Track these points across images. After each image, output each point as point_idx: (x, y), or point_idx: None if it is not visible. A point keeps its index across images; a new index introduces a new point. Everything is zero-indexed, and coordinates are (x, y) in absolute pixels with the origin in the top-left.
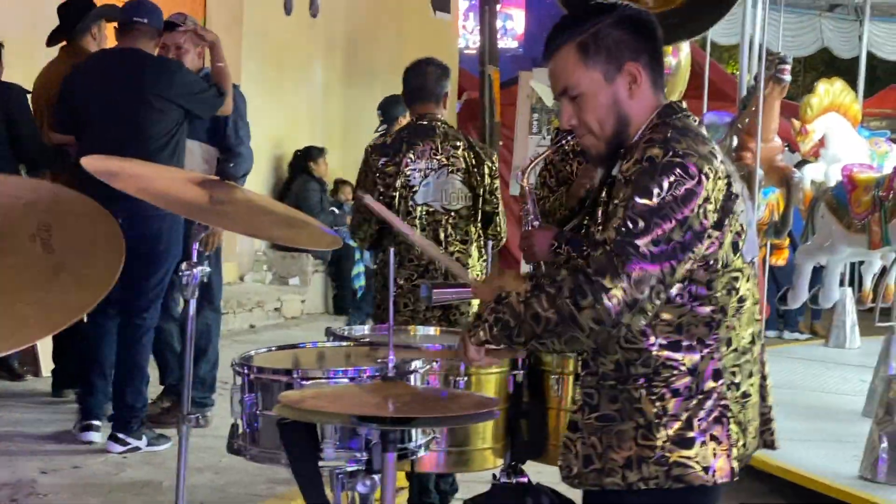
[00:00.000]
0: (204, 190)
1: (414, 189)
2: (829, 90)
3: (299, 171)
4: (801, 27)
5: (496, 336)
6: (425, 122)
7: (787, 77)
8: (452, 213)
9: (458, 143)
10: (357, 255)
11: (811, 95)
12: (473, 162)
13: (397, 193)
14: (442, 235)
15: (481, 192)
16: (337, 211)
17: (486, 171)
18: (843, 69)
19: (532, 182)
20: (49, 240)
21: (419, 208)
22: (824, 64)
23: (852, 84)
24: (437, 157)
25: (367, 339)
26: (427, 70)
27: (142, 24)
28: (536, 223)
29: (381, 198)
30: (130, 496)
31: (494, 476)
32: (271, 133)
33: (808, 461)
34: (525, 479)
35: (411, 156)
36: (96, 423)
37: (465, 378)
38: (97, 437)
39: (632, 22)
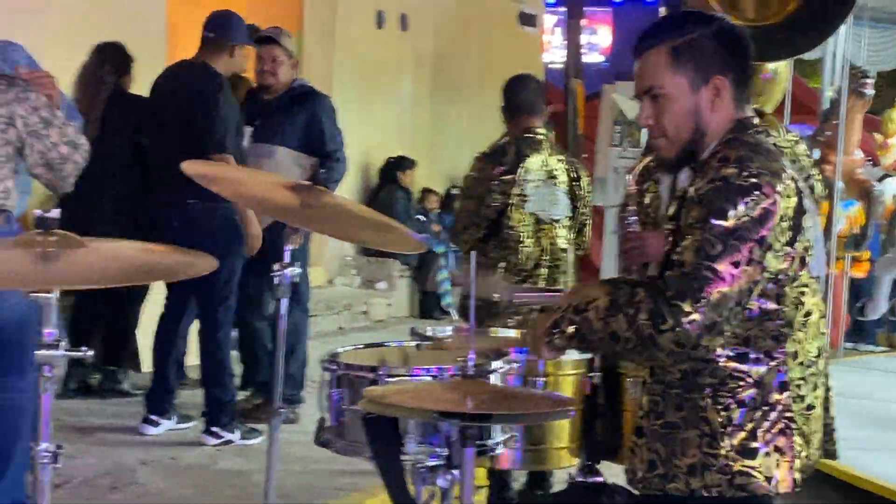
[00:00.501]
0: (296, 194)
1: (526, 198)
2: None
3: (387, 180)
4: (885, 42)
5: (574, 346)
6: (532, 135)
7: (870, 91)
8: (556, 223)
9: (561, 157)
10: (442, 262)
11: (893, 110)
12: (574, 175)
13: (512, 202)
14: (546, 243)
15: (578, 204)
16: (423, 219)
17: (584, 183)
18: None
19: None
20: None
21: (528, 217)
22: None
23: None
24: (545, 169)
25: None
26: (532, 85)
27: (208, 37)
28: (637, 227)
29: (494, 203)
30: (223, 486)
31: (571, 475)
32: (360, 143)
33: (881, 470)
34: (600, 479)
35: (524, 166)
36: (153, 417)
37: (543, 379)
38: (152, 431)
39: (728, 36)
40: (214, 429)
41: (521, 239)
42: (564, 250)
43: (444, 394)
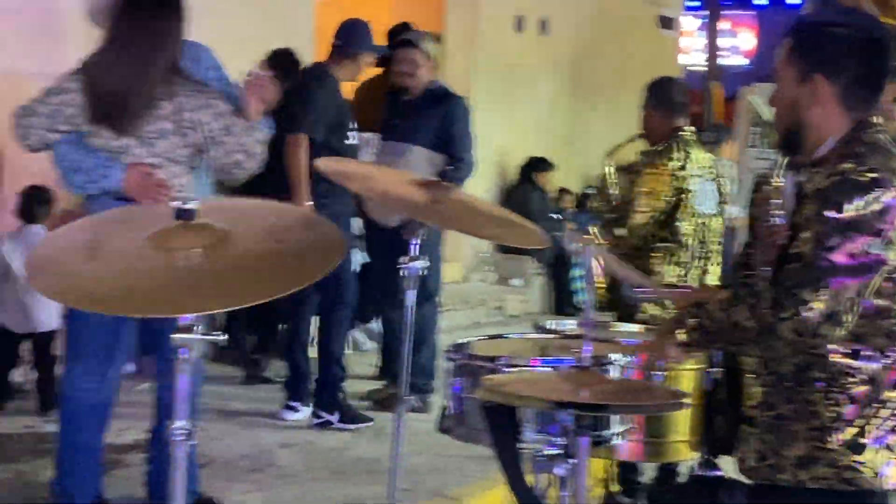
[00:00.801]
0: (424, 190)
1: (691, 193)
2: None
3: (524, 180)
4: None
5: (696, 340)
6: (684, 133)
7: None
8: (711, 217)
9: (709, 154)
10: (574, 260)
11: None
12: (719, 171)
13: (683, 196)
14: (703, 236)
15: (723, 200)
16: (557, 217)
17: (725, 180)
18: None
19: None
20: (280, 238)
21: (692, 211)
22: None
23: None
24: (700, 166)
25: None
26: (680, 86)
27: (335, 44)
28: (782, 221)
29: (667, 198)
30: (356, 471)
31: (692, 468)
32: (499, 144)
33: None
34: (720, 473)
35: (690, 162)
36: (292, 403)
37: (663, 373)
38: (291, 417)
39: (856, 41)
40: (316, 409)
41: (686, 232)
42: (717, 243)
43: (560, 384)
